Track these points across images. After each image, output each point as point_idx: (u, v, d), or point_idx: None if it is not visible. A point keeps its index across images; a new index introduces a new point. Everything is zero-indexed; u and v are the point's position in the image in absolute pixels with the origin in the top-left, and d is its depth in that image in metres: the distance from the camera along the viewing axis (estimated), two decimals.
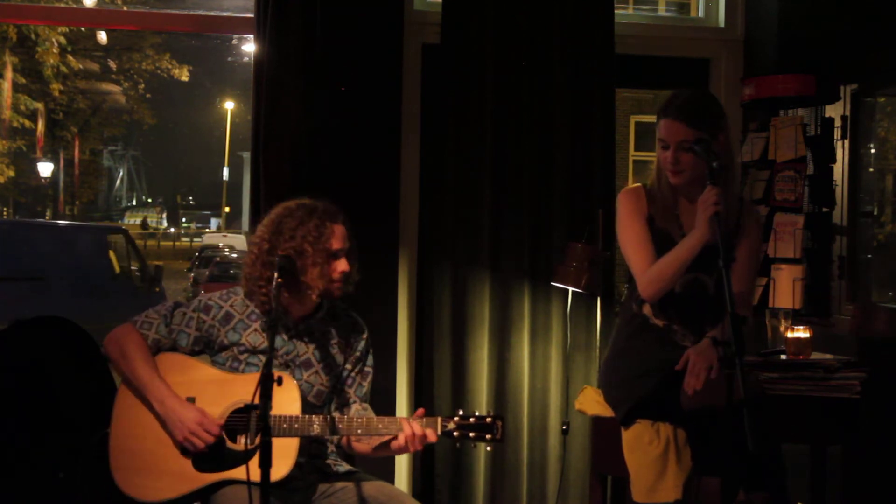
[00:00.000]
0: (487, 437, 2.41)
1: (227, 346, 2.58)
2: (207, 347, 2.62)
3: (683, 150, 2.73)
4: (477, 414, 2.43)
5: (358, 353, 2.69)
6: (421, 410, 2.46)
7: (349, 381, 2.67)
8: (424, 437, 2.41)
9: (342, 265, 2.54)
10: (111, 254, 11.56)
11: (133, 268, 12.28)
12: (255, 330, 2.60)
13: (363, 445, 2.57)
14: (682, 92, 2.78)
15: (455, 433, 2.41)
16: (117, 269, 11.68)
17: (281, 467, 2.36)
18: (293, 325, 2.60)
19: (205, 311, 2.62)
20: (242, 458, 2.41)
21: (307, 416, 2.42)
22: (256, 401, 2.09)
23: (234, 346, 2.58)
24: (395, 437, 2.42)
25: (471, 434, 2.41)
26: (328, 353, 2.64)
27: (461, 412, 2.43)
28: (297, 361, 2.60)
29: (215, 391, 2.50)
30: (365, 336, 2.72)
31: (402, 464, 3.76)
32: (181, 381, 2.52)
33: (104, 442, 2.53)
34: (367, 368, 2.71)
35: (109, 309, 8.89)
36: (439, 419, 2.41)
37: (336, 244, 2.53)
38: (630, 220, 2.85)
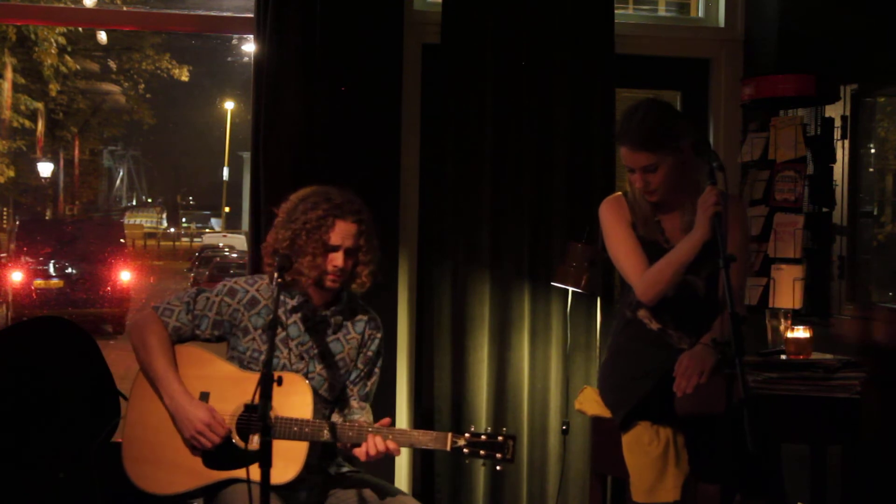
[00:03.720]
0: (498, 456, 2.36)
1: (249, 332, 2.58)
2: (228, 333, 2.62)
3: (650, 173, 2.75)
4: (489, 431, 2.38)
5: (371, 353, 2.69)
6: (386, 420, 2.44)
7: (356, 379, 2.66)
8: (386, 451, 2.39)
9: (337, 260, 2.53)
10: None
11: None
12: (280, 315, 2.60)
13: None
14: (633, 114, 2.76)
15: (465, 450, 2.37)
16: None
17: (289, 470, 2.36)
18: (311, 316, 2.60)
19: (230, 294, 2.62)
20: (251, 458, 2.41)
21: (318, 421, 2.41)
22: (257, 401, 2.09)
23: (257, 331, 2.58)
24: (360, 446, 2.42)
25: (481, 452, 2.36)
26: (343, 348, 2.64)
27: (473, 428, 2.40)
28: (312, 353, 2.59)
29: (230, 388, 2.50)
30: (380, 336, 2.72)
31: (403, 464, 3.76)
32: (198, 375, 2.52)
33: (111, 435, 2.54)
34: (375, 370, 2.72)
35: None
36: (450, 435, 2.37)
37: (334, 239, 2.53)
38: (616, 227, 2.86)
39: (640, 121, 2.73)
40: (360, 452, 2.41)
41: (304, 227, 2.52)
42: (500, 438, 2.37)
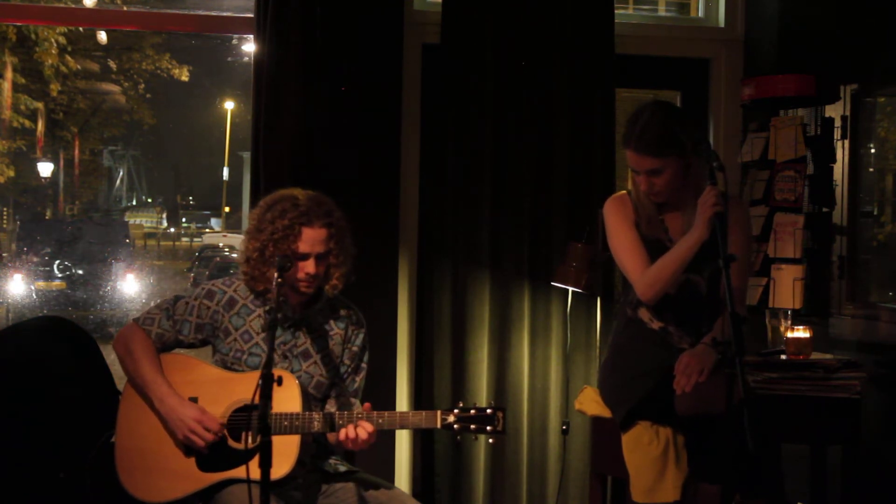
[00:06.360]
0: (489, 428, 2.39)
1: (230, 333, 2.59)
2: (211, 335, 2.62)
3: (655, 176, 2.75)
4: (477, 405, 2.41)
5: (356, 349, 2.69)
6: (367, 405, 2.46)
7: (344, 375, 2.67)
8: (364, 437, 2.41)
9: (307, 267, 2.52)
10: None
11: None
12: (259, 315, 2.60)
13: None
14: (637, 118, 2.76)
15: (455, 426, 2.39)
16: None
17: (282, 465, 2.36)
18: (291, 315, 2.61)
19: (208, 297, 2.62)
20: (245, 457, 2.41)
21: (307, 413, 2.42)
22: (257, 401, 2.09)
23: (238, 332, 2.58)
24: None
25: (471, 426, 2.39)
26: (326, 345, 2.64)
27: (461, 404, 2.42)
28: (296, 352, 2.60)
29: (217, 390, 2.51)
30: (364, 331, 2.72)
31: (403, 463, 3.76)
32: (184, 381, 2.53)
33: (108, 443, 2.54)
34: (362, 365, 2.72)
35: None
36: (439, 412, 2.40)
37: (303, 248, 2.50)
38: (620, 226, 2.86)
39: (644, 125, 2.73)
40: (343, 441, 2.43)
41: (271, 238, 2.50)
42: (489, 411, 2.40)
